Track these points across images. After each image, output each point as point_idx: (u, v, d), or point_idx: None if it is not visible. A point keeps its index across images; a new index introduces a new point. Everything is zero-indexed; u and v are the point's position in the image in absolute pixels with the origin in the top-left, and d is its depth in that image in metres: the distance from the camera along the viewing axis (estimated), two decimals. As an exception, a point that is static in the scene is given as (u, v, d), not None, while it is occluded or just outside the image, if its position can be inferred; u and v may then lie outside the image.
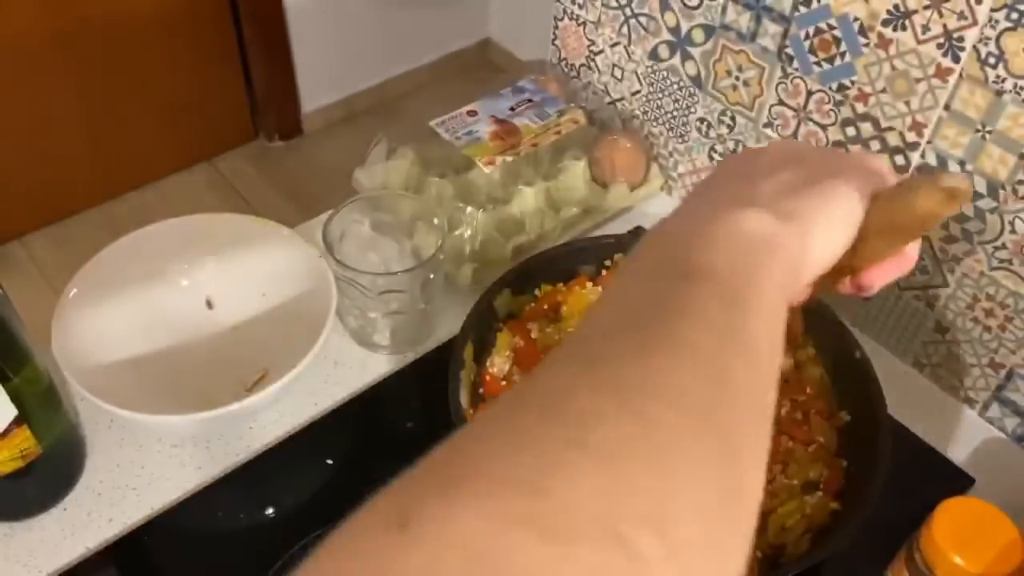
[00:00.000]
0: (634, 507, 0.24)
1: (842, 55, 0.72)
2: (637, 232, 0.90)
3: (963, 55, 0.64)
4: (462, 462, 0.25)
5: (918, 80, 0.68)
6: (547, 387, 0.28)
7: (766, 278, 0.33)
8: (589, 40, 0.96)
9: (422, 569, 0.22)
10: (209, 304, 0.79)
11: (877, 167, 0.41)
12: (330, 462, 0.73)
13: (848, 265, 0.41)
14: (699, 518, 0.25)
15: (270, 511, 0.70)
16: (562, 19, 0.98)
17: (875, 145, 0.73)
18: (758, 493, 0.29)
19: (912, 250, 0.42)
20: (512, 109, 0.92)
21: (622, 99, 0.97)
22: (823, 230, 0.37)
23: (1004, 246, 0.68)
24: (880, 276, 0.42)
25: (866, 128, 0.73)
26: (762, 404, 0.31)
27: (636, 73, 0.93)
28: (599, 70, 0.97)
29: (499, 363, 0.72)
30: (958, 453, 0.74)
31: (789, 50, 0.76)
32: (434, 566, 0.22)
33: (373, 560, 0.22)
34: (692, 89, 0.87)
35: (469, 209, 0.84)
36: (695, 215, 0.37)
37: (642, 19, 0.88)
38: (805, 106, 0.77)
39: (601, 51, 0.96)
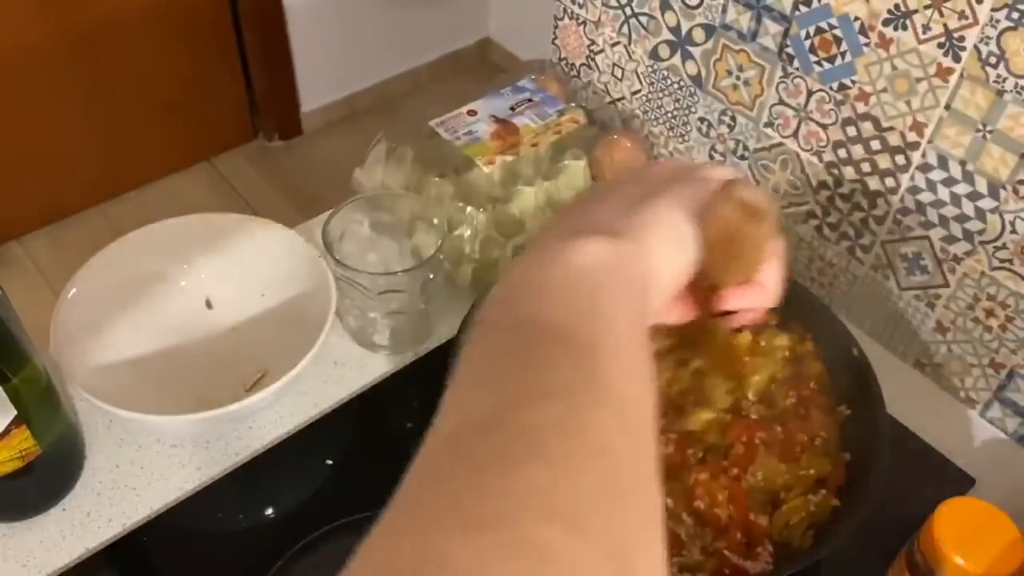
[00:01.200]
0: None
1: (843, 54, 0.72)
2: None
3: (964, 55, 0.64)
4: None
5: (919, 80, 0.68)
6: (417, 538, 0.25)
7: (613, 309, 0.33)
8: (589, 39, 0.96)
9: None
10: (209, 304, 0.79)
11: (706, 175, 0.39)
12: (330, 462, 0.73)
13: (711, 284, 0.40)
14: None
15: (270, 511, 0.70)
16: (562, 18, 0.98)
17: (875, 144, 0.73)
18: None
19: (767, 279, 0.41)
20: (512, 109, 0.92)
21: (622, 99, 0.97)
22: (661, 242, 0.36)
23: (1005, 246, 0.68)
24: (732, 299, 0.41)
25: (867, 127, 0.73)
26: (644, 463, 0.30)
27: (636, 72, 0.93)
28: (599, 69, 0.97)
29: None
30: (959, 453, 0.74)
31: (790, 49, 0.76)
32: None
33: None
34: (692, 88, 0.87)
35: (469, 209, 0.84)
36: (535, 259, 0.35)
37: (642, 18, 0.88)
38: (806, 105, 0.77)
39: (601, 50, 0.95)
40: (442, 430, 0.30)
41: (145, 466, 0.70)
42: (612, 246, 0.34)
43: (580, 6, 0.95)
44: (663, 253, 0.36)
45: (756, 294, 0.41)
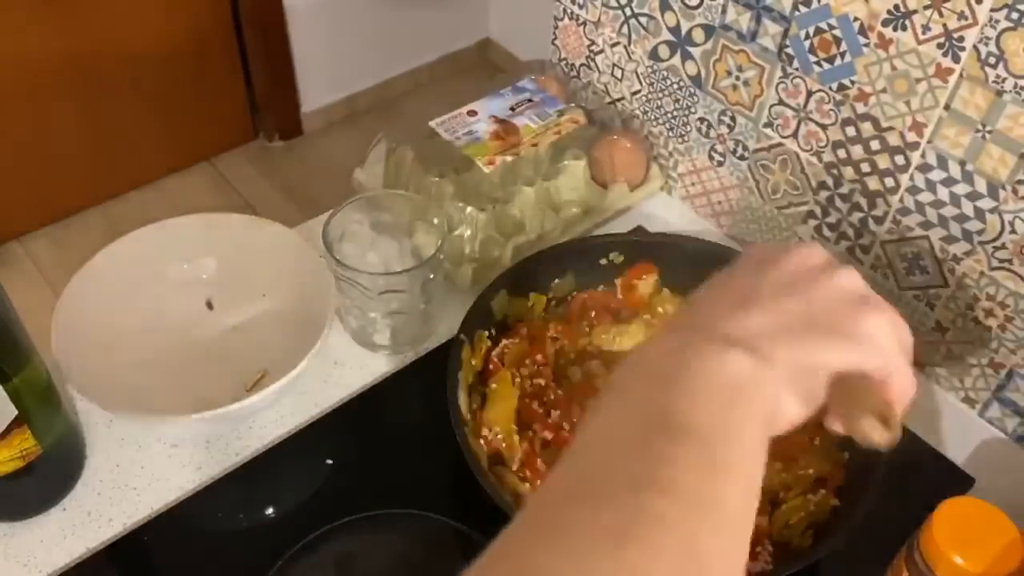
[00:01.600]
0: None
1: (842, 55, 0.72)
2: (638, 232, 0.90)
3: (963, 55, 0.64)
4: None
5: (918, 80, 0.68)
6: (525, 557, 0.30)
7: (744, 425, 0.36)
8: (589, 40, 0.96)
9: None
10: (209, 304, 0.79)
11: (871, 332, 0.40)
12: (330, 462, 0.73)
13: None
14: None
15: (270, 511, 0.70)
16: (562, 19, 0.98)
17: (875, 145, 0.73)
18: None
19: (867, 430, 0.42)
20: (512, 109, 0.92)
21: (622, 99, 0.97)
22: (799, 384, 0.38)
23: (1004, 246, 0.68)
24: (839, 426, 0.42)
25: (866, 128, 0.73)
26: (733, 567, 0.33)
27: (636, 73, 0.93)
28: (599, 70, 0.97)
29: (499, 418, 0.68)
30: (958, 453, 0.74)
31: (789, 50, 0.76)
32: None
33: None
34: (692, 89, 0.87)
35: (469, 209, 0.84)
36: (680, 346, 0.38)
37: (642, 19, 0.88)
38: (805, 106, 0.77)
39: (601, 51, 0.96)
40: (558, 482, 0.34)
41: (145, 466, 0.70)
42: (756, 369, 0.37)
43: (580, 6, 0.95)
44: (796, 396, 0.39)
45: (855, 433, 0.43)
